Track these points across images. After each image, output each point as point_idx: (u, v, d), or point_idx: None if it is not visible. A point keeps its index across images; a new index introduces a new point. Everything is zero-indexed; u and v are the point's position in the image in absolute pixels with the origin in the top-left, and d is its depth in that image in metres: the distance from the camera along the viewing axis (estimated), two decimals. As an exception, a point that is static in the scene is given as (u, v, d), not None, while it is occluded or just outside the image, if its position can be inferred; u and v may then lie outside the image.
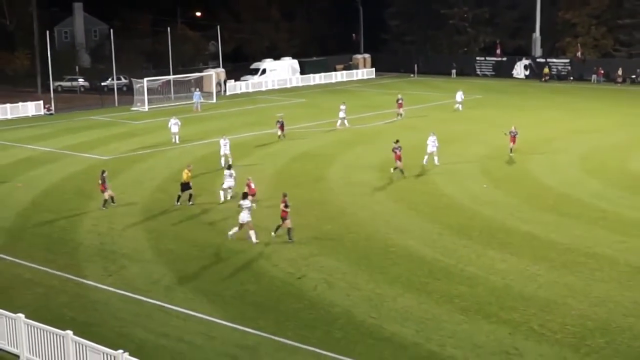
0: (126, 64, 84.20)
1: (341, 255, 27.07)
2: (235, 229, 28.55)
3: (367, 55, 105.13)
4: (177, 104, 72.34)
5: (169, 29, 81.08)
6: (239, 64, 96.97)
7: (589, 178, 38.99)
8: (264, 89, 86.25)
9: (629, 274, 24.79)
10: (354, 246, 28.14)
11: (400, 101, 59.82)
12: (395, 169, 39.17)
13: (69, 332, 17.95)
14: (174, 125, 50.17)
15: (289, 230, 28.48)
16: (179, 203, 33.96)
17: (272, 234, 28.86)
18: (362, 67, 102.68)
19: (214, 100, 75.11)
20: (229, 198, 34.33)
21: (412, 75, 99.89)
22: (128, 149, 49.23)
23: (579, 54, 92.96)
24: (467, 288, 23.77)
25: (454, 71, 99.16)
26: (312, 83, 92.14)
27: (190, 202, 34.01)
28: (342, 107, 56.77)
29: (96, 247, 28.53)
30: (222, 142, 42.09)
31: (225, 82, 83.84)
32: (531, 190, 36.31)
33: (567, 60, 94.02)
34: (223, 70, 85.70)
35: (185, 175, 33.97)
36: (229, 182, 34.45)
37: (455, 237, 29.15)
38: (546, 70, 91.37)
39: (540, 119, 59.69)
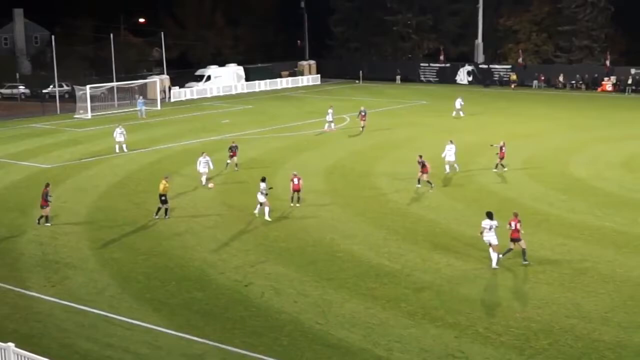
0: (68, 71, 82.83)
1: (288, 262, 27.05)
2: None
3: (312, 62, 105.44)
4: (121, 111, 71.52)
5: (112, 35, 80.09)
6: (184, 71, 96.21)
7: (531, 182, 39.62)
8: (209, 95, 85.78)
9: (571, 276, 25.24)
10: (301, 252, 28.14)
11: (363, 113, 57.45)
12: (427, 182, 37.74)
13: (11, 345, 17.54)
14: (119, 134, 49.34)
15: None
16: (157, 216, 33.16)
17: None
18: (307, 73, 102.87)
19: (159, 107, 74.41)
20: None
21: (357, 81, 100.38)
22: (71, 157, 48.48)
23: (520, 60, 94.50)
24: (413, 292, 23.94)
25: (398, 77, 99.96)
26: (257, 89, 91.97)
27: (167, 216, 33.12)
28: (330, 110, 57.08)
29: (38, 258, 28.02)
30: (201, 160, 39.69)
31: (169, 89, 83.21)
32: (475, 195, 36.76)
33: (509, 66, 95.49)
34: (167, 77, 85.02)
35: (162, 186, 33.00)
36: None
37: (401, 242, 29.35)
38: (513, 77, 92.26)
39: (482, 124, 60.48)
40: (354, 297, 23.59)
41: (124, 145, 49.43)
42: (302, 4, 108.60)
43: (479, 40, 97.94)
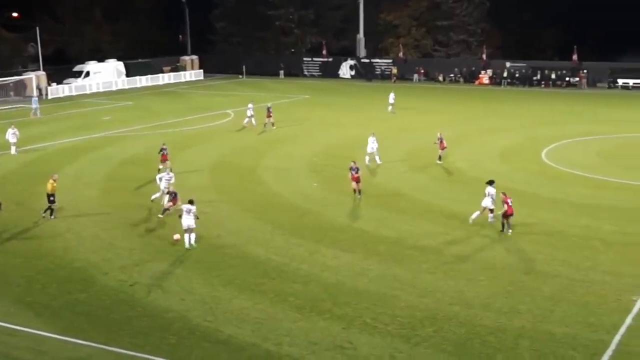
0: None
1: (174, 260, 26.68)
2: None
3: (194, 57, 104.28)
4: (-5, 108, 68.84)
5: (-18, 30, 76.89)
6: (61, 67, 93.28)
7: (414, 173, 40.48)
8: (88, 92, 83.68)
9: (453, 264, 25.93)
10: (188, 250, 27.78)
11: (269, 109, 55.71)
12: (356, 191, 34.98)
13: None
14: (11, 135, 46.65)
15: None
16: (44, 214, 32.01)
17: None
18: (189, 68, 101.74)
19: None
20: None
21: (240, 76, 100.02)
22: (-59, 157, 46.29)
23: (401, 54, 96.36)
24: (301, 286, 24.05)
25: (282, 72, 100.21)
26: (138, 85, 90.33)
27: (52, 217, 31.95)
28: (250, 105, 56.17)
29: None
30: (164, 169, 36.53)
31: (46, 85, 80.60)
32: (362, 188, 37.19)
33: (390, 61, 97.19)
34: (44, 73, 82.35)
35: (50, 186, 31.90)
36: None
37: (287, 236, 29.43)
38: (394, 70, 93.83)
39: (366, 118, 61.32)
40: (242, 293, 23.50)
41: (14, 147, 46.74)
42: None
43: (361, 34, 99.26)
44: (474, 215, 30.19)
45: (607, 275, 24.85)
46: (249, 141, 50.97)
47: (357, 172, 34.45)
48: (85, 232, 30.26)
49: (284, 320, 21.41)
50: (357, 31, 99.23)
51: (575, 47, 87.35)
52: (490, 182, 30.55)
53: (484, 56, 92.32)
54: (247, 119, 56.05)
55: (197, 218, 27.92)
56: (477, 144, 49.01)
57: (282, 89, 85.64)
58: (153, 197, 33.69)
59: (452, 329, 20.66)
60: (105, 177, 40.19)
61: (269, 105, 57.37)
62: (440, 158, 42.58)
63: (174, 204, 31.05)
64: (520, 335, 20.23)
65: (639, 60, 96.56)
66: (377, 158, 42.34)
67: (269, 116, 55.09)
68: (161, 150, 39.66)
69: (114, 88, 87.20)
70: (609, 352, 19.18)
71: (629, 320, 21.14)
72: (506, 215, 29.23)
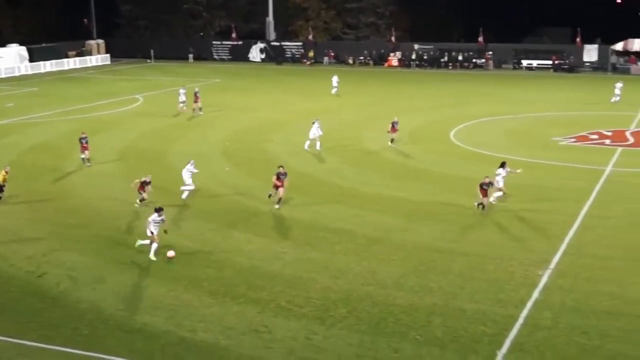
0: None
1: (85, 249, 26.12)
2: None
3: (100, 41, 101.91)
4: None
5: None
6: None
7: (327, 156, 40.67)
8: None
9: (366, 246, 26.21)
10: (98, 238, 27.25)
11: (197, 94, 54.73)
12: (271, 195, 31.46)
13: None
14: None
15: None
16: None
17: None
18: (96, 53, 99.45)
19: None
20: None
21: (148, 60, 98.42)
22: None
23: (310, 37, 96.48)
24: (215, 271, 23.91)
25: (191, 56, 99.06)
26: (43, 70, 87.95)
27: None
28: (182, 90, 54.66)
29: None
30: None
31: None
32: (273, 171, 37.10)
33: (300, 43, 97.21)
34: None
35: (1, 177, 31.62)
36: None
37: (200, 221, 29.20)
38: (310, 54, 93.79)
39: (277, 101, 61.30)
40: (156, 281, 23.21)
41: None
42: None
43: (270, 17, 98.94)
44: (496, 195, 30.87)
45: (515, 251, 25.56)
46: (159, 126, 50.25)
47: (283, 178, 30.55)
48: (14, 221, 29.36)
49: (199, 306, 21.26)
50: (267, 14, 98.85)
51: (481, 29, 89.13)
52: (502, 164, 31.32)
53: (393, 39, 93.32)
54: (180, 104, 54.84)
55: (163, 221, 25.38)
56: (385, 126, 49.43)
57: (192, 73, 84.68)
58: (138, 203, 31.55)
59: (366, 309, 20.91)
60: (11, 165, 38.92)
61: (196, 89, 56.61)
62: (392, 141, 42.81)
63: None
64: (432, 312, 20.63)
65: (542, 41, 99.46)
66: (317, 144, 41.88)
67: (196, 101, 54.42)
68: (81, 139, 38.55)
69: (16, 74, 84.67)
70: (517, 326, 19.74)
71: (535, 294, 21.81)
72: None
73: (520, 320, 20.08)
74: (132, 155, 41.38)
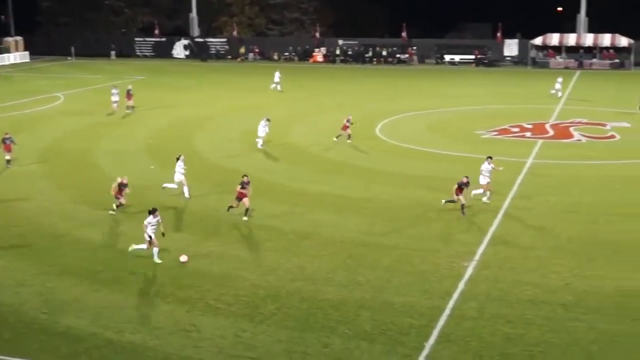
0: None
1: (5, 252, 25.43)
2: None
3: (19, 38, 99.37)
4: None
5: None
6: None
7: (254, 152, 40.52)
8: None
9: (295, 242, 26.21)
10: (20, 240, 26.56)
11: (130, 92, 53.96)
12: (231, 208, 29.26)
13: None
14: None
15: None
16: None
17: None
18: (14, 50, 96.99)
19: None
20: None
21: (69, 58, 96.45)
22: None
23: (235, 33, 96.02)
24: (141, 271, 23.58)
25: (113, 52, 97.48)
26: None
27: None
28: (114, 90, 53.25)
29: None
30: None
31: None
32: (200, 168, 36.86)
33: (225, 40, 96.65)
34: None
35: None
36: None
37: (126, 220, 28.74)
38: (242, 50, 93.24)
39: (202, 98, 60.87)
40: (81, 282, 22.75)
41: None
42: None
43: (194, 13, 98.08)
44: (475, 192, 30.37)
45: (440, 243, 25.94)
46: (82, 125, 49.31)
47: (247, 187, 28.71)
48: None
49: (126, 307, 20.94)
50: (190, 10, 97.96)
51: (404, 24, 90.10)
52: (488, 158, 30.70)
53: (317, 34, 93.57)
54: (114, 104, 53.54)
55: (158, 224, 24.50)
56: (311, 122, 49.68)
57: (114, 70, 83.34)
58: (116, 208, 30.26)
59: (295, 305, 20.91)
60: None
61: (129, 87, 55.40)
62: (349, 137, 42.58)
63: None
64: (361, 306, 20.76)
65: (464, 36, 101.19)
66: (259, 141, 41.51)
67: (129, 98, 53.51)
68: (4, 140, 37.52)
69: None
70: (443, 317, 20.02)
71: (461, 285, 22.16)
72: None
73: (447, 312, 20.37)
74: (56, 154, 40.51)
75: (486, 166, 30.38)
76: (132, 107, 53.55)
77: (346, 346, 18.51)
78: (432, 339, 18.80)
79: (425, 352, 18.16)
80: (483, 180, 30.33)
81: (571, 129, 46.79)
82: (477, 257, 24.53)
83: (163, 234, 24.60)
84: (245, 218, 28.56)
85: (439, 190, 31.90)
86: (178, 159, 31.56)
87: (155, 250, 24.28)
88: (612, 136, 44.81)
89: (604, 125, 47.93)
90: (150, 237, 24.12)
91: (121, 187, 29.26)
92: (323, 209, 30.14)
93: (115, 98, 53.28)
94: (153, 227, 24.21)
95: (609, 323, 19.63)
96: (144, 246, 24.37)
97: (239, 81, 73.11)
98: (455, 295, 21.44)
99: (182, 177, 31.50)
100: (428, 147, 41.43)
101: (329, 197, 31.73)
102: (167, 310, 20.68)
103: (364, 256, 24.72)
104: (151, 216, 24.19)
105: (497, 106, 56.74)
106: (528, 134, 45.51)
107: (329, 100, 59.90)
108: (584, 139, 43.88)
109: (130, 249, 24.78)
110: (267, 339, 18.90)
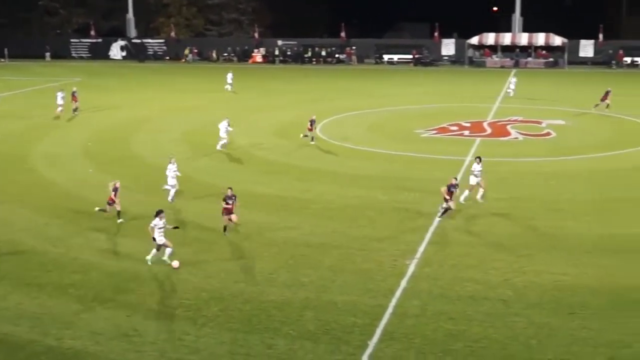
0: None
1: (-61, 259, 24.79)
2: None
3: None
4: None
5: None
6: None
7: (195, 153, 40.22)
8: None
9: (237, 243, 26.09)
10: (-47, 247, 25.92)
11: (75, 94, 52.79)
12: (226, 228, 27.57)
13: None
14: None
15: None
16: None
17: None
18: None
19: None
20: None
21: (2, 59, 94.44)
22: None
23: (172, 33, 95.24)
24: (81, 276, 23.19)
25: (48, 54, 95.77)
26: None
27: None
28: (60, 94, 51.46)
29: None
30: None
31: None
32: (138, 171, 36.46)
33: (163, 41, 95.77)
34: None
35: None
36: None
37: (64, 225, 28.24)
38: (186, 51, 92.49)
39: (140, 99, 60.18)
40: (18, 288, 22.27)
41: None
42: None
43: (130, 14, 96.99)
44: (464, 195, 30.12)
45: (382, 242, 26.08)
46: (17, 128, 48.31)
47: (232, 202, 27.04)
48: None
49: (65, 313, 20.56)
50: (127, 11, 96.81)
51: (343, 24, 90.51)
52: (478, 159, 30.49)
53: (256, 35, 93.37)
54: (59, 108, 52.21)
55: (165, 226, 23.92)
56: (252, 123, 49.50)
57: (50, 72, 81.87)
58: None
59: (238, 307, 20.82)
60: None
61: (74, 89, 54.16)
62: (312, 139, 42.30)
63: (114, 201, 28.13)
64: (305, 306, 20.77)
65: (402, 36, 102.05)
66: (219, 144, 40.93)
67: (75, 100, 52.44)
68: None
69: None
70: (387, 315, 20.15)
71: (403, 283, 22.34)
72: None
73: (390, 310, 20.51)
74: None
75: (476, 167, 30.33)
76: (77, 108, 52.58)
77: (290, 347, 18.50)
78: (375, 337, 18.91)
79: (369, 351, 18.26)
80: (473, 180, 30.38)
81: (508, 127, 47.58)
82: (418, 255, 24.76)
83: (177, 227, 25.08)
84: (226, 233, 26.99)
85: (378, 189, 32.12)
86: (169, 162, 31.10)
87: (168, 251, 23.76)
88: (548, 133, 45.71)
89: (540, 123, 48.86)
90: (161, 240, 23.59)
91: (115, 191, 28.46)
92: (265, 210, 30.05)
93: (60, 102, 51.88)
94: (160, 229, 23.61)
95: (547, 317, 20.01)
96: (154, 251, 23.90)
97: (178, 82, 72.52)
98: (398, 293, 21.60)
99: (175, 181, 31.06)
100: (369, 146, 41.65)
101: (270, 198, 31.66)
102: (108, 315, 20.39)
103: (307, 256, 24.73)
104: (157, 218, 23.63)
105: (435, 105, 57.39)
106: (466, 132, 46.12)
107: (269, 100, 59.82)
108: (520, 137, 44.65)
109: (149, 262, 23.93)
110: (210, 342, 18.78)
